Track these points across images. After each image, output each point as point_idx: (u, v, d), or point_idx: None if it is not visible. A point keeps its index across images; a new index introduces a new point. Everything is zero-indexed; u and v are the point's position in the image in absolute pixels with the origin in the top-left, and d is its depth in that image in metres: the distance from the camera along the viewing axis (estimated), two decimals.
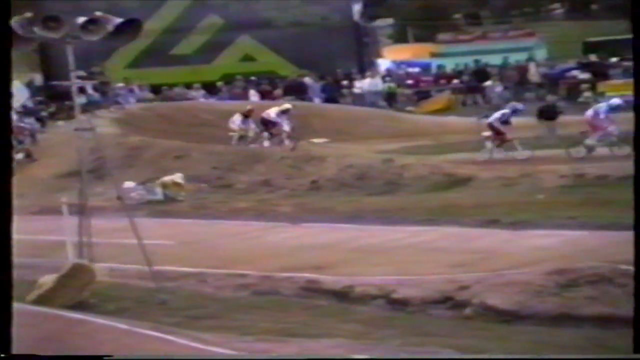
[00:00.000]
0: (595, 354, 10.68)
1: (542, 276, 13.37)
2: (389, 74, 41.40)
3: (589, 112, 26.08)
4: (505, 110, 27.43)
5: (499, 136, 26.55)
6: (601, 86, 36.17)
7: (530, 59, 41.04)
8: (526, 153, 25.69)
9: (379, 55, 45.03)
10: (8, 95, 7.38)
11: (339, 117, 30.00)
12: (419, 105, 38.40)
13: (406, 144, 28.65)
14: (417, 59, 44.90)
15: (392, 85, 39.86)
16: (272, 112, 28.82)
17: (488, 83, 38.29)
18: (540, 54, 42.80)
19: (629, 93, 33.91)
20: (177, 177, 23.11)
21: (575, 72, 38.29)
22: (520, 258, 14.77)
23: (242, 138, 29.08)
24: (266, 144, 28.63)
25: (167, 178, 22.90)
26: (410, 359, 7.38)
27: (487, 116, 29.38)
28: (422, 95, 39.78)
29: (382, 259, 15.69)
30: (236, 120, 29.36)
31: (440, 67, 42.73)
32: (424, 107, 37.94)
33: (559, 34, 45.93)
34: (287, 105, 29.73)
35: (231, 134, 29.14)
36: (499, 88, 37.89)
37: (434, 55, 45.54)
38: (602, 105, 26.12)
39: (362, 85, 39.53)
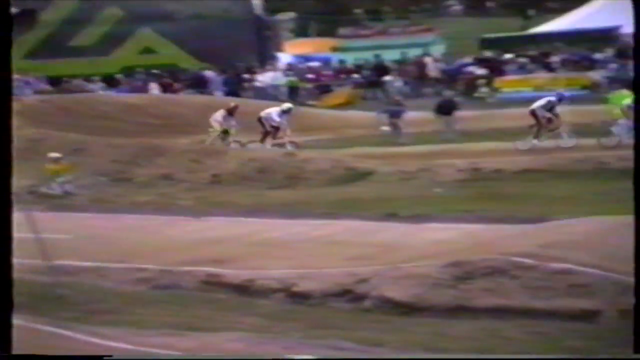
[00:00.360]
0: (489, 344, 10.89)
1: (439, 269, 13.54)
2: (290, 68, 41.43)
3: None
4: (551, 98, 25.98)
5: (545, 124, 25.25)
6: (497, 82, 36.79)
7: (425, 53, 41.49)
8: (572, 141, 24.63)
9: (281, 49, 45.03)
10: (9, 95, 7.05)
11: (240, 110, 29.81)
12: (320, 100, 38.53)
13: (308, 138, 28.71)
14: (318, 54, 45.04)
15: (294, 79, 39.89)
16: (273, 112, 27.16)
17: (388, 78, 38.60)
18: (438, 49, 43.31)
19: (524, 89, 34.81)
20: (52, 155, 22.73)
21: (471, 68, 38.86)
22: (418, 251, 14.94)
23: (224, 134, 27.21)
24: (268, 146, 26.59)
25: (48, 165, 22.50)
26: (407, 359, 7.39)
27: (385, 111, 29.60)
28: (324, 90, 39.91)
29: (283, 253, 15.71)
30: (218, 116, 27.54)
31: (341, 61, 42.94)
32: (325, 101, 38.07)
33: (456, 30, 46.57)
34: (288, 105, 28.19)
35: (210, 130, 27.34)
36: (398, 83, 38.23)
37: (335, 49, 45.72)
38: None
39: (264, 79, 39.48)
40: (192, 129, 28.64)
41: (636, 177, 7.79)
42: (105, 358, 8.07)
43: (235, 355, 10.29)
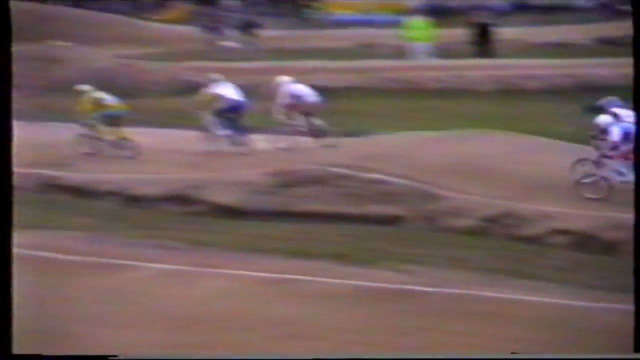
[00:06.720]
0: (305, 245, 11.20)
1: (264, 177, 13.80)
2: None
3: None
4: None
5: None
6: (324, 3, 36.59)
7: None
8: None
9: None
10: (8, 99, 6.48)
11: (79, 21, 29.03)
12: (156, 14, 37.81)
13: (144, 50, 28.17)
14: None
15: None
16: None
17: None
18: None
19: (350, 12, 34.95)
20: None
21: None
22: (246, 160, 15.10)
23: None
24: None
25: None
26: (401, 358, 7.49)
27: (213, 29, 29.28)
28: (159, 4, 39.15)
29: (120, 158, 15.62)
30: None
31: None
32: (161, 16, 37.41)
33: None
34: None
35: None
36: (231, 1, 37.83)
37: None
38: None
39: None
40: (31, 37, 27.29)
41: (637, 183, 7.83)
42: (107, 358, 7.53)
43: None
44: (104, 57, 25.66)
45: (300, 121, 16.16)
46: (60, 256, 10.28)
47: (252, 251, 10.81)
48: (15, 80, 25.09)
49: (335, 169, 13.61)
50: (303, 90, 16.69)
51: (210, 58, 26.65)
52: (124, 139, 15.88)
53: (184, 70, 24.02)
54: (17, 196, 13.87)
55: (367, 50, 27.33)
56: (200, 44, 29.15)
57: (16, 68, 25.80)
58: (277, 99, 16.42)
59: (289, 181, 13.58)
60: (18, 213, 12.52)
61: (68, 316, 8.71)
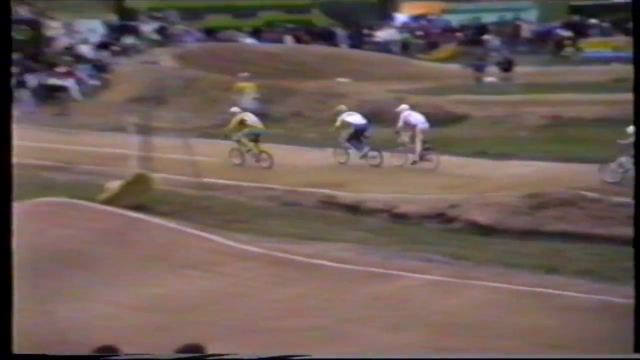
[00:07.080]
0: (554, 262, 10.81)
1: (518, 198, 13.47)
2: (404, 26, 41.01)
3: None
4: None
5: None
6: (581, 43, 35.70)
7: (520, 18, 40.50)
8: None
9: (397, 10, 44.53)
10: (9, 101, 6.90)
11: (360, 60, 29.71)
12: (428, 54, 38.07)
13: (415, 86, 28.38)
14: (430, 15, 44.48)
15: (407, 36, 39.49)
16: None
17: (487, 37, 37.85)
18: (532, 14, 42.18)
19: (604, 49, 33.76)
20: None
21: (560, 30, 37.78)
22: (501, 183, 14.83)
23: None
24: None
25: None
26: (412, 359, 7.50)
27: (471, 65, 29.08)
28: (432, 45, 39.43)
29: (388, 180, 15.80)
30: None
31: (448, 22, 42.36)
32: (433, 55, 37.60)
33: None
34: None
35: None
36: (496, 42, 37.44)
37: (444, 11, 45.00)
38: None
39: (382, 35, 39.20)
40: (319, 75, 28.67)
41: (637, 182, 7.27)
42: (107, 358, 6.63)
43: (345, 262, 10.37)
44: (377, 91, 26.10)
45: (416, 143, 16.93)
46: (336, 265, 10.51)
47: (505, 266, 10.57)
48: (303, 111, 25.95)
49: (585, 193, 13.07)
50: (417, 117, 17.59)
51: (471, 92, 26.48)
52: (262, 152, 17.09)
53: (448, 103, 23.98)
54: (298, 211, 14.48)
55: (621, 85, 26.08)
56: (464, 80, 29.00)
57: (305, 101, 26.81)
58: (398, 124, 17.46)
59: (543, 203, 13.19)
60: (301, 227, 13.03)
61: (340, 317, 8.87)
